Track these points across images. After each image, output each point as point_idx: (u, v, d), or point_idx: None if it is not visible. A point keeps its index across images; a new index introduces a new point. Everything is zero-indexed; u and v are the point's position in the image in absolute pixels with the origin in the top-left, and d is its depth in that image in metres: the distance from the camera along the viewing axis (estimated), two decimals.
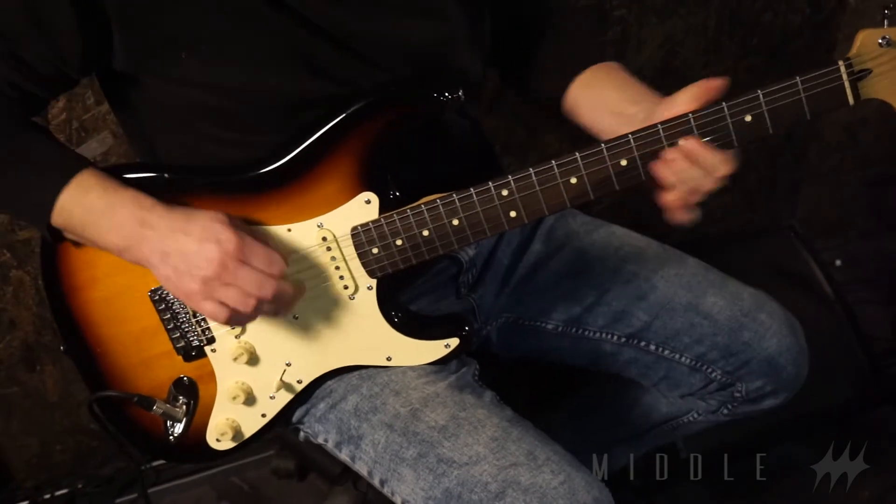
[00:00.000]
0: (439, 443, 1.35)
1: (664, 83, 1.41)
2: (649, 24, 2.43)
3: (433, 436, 1.36)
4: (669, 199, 1.28)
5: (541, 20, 1.56)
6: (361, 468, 1.45)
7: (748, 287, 1.65)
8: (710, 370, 1.63)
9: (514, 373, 1.88)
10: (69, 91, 1.41)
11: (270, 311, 1.30)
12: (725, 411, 1.70)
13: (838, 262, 2.82)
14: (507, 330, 1.71)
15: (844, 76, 1.21)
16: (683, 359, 1.64)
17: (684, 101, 1.27)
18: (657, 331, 1.63)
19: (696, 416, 1.76)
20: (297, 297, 1.34)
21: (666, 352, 1.64)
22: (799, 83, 1.22)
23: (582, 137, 2.45)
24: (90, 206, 1.28)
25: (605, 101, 1.44)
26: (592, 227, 1.71)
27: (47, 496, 2.46)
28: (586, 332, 1.67)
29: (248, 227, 1.31)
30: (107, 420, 1.50)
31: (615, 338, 1.66)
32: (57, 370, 2.35)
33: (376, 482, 1.43)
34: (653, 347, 1.65)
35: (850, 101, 1.22)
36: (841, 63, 1.21)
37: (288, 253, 1.35)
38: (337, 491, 1.78)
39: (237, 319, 1.29)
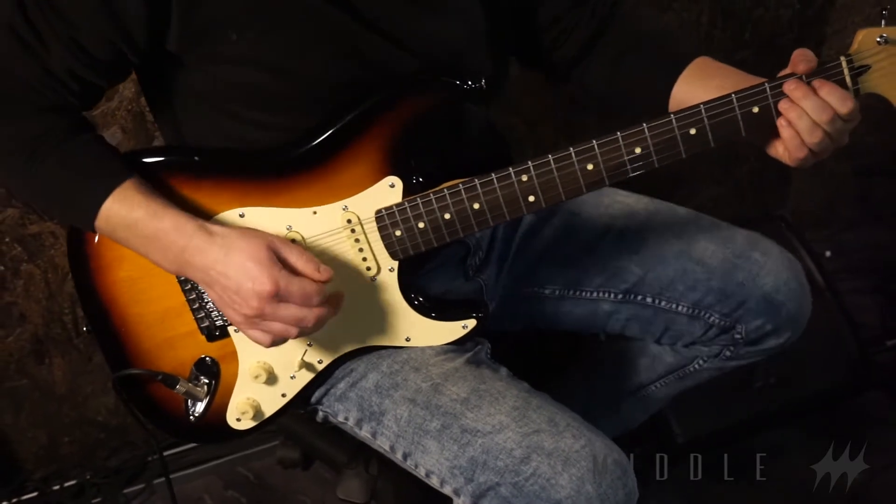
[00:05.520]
0: (462, 414, 1.39)
1: None
2: None
3: (456, 408, 1.40)
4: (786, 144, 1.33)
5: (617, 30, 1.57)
6: (383, 443, 1.48)
7: (742, 229, 1.68)
8: (707, 315, 1.66)
9: (520, 348, 1.92)
10: (124, 79, 1.43)
11: (313, 332, 1.37)
12: (728, 353, 1.72)
13: (828, 254, 2.86)
14: (508, 301, 1.73)
15: (846, 71, 1.29)
16: (681, 308, 1.67)
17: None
18: (651, 283, 1.66)
19: (701, 363, 1.78)
20: (337, 311, 1.39)
21: (663, 303, 1.67)
22: (804, 77, 1.29)
23: (577, 131, 2.51)
24: (134, 228, 1.33)
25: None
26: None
27: (56, 487, 2.47)
28: (584, 294, 1.71)
29: (288, 248, 1.33)
30: (129, 400, 1.52)
31: (612, 295, 1.69)
32: (65, 363, 2.38)
33: (398, 456, 1.47)
34: (649, 300, 1.68)
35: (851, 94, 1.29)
36: (843, 59, 1.28)
37: (316, 240, 1.40)
38: (348, 475, 1.80)
39: (280, 343, 1.37)
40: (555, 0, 1.56)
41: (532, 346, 1.98)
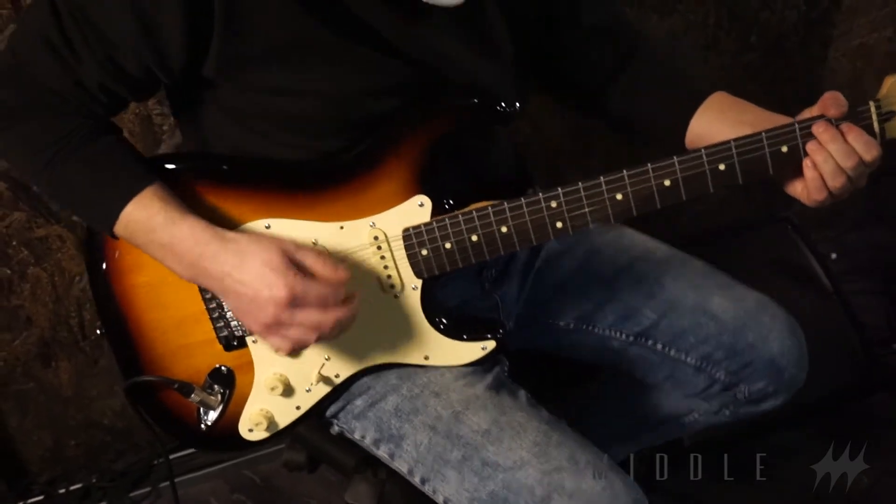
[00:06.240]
0: (483, 446, 1.39)
1: None
2: (650, 21, 2.47)
3: (477, 439, 1.40)
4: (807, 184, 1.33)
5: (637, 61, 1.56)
6: (401, 465, 1.48)
7: (752, 290, 1.68)
8: (714, 370, 1.66)
9: (521, 369, 1.93)
10: (153, 96, 1.42)
11: (333, 336, 1.35)
12: (727, 412, 1.73)
13: (834, 256, 2.86)
14: (522, 323, 1.73)
15: (874, 116, 1.29)
16: (689, 359, 1.67)
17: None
18: (664, 330, 1.66)
19: (697, 416, 1.79)
20: (356, 313, 1.37)
21: (672, 351, 1.67)
22: (833, 120, 1.29)
23: (584, 134, 2.50)
24: (152, 235, 1.31)
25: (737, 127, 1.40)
26: (605, 227, 1.75)
27: (62, 490, 2.48)
28: (595, 329, 1.71)
29: (302, 251, 1.32)
30: (139, 406, 1.51)
31: (623, 335, 1.69)
32: (71, 366, 2.37)
33: (416, 479, 1.47)
34: (659, 346, 1.68)
35: (878, 139, 1.30)
36: (871, 104, 1.28)
37: (341, 255, 1.39)
38: (357, 479, 1.80)
39: (301, 350, 1.36)
40: (577, 33, 1.56)
41: (541, 368, 1.98)
